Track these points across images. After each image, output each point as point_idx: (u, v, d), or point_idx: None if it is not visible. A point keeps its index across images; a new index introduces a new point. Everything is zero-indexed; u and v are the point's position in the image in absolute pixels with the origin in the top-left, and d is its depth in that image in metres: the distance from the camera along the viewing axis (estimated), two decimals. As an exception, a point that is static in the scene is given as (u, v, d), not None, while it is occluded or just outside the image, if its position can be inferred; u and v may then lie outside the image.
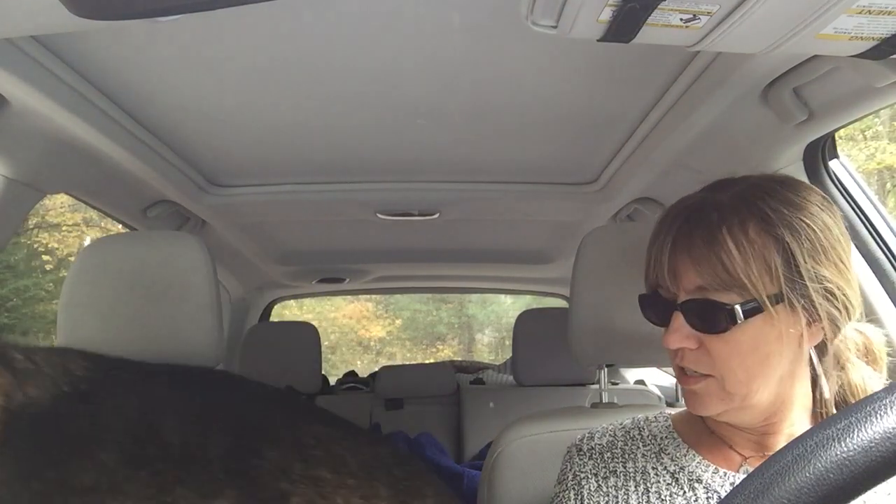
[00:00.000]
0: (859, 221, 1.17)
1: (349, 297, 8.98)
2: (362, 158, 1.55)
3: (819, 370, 0.75)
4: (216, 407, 0.47)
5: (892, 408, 0.35)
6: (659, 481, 0.80)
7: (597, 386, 1.18)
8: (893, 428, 0.34)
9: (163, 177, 1.47)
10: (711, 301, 0.71)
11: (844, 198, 1.19)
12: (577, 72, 1.12)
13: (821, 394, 0.77)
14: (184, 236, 1.13)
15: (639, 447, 0.84)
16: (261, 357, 2.38)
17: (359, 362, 10.79)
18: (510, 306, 10.09)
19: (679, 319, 0.73)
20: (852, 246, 1.05)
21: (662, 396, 2.30)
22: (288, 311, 6.18)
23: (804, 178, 1.19)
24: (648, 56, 1.06)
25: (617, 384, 2.41)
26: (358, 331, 11.44)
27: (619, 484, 0.81)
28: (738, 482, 0.75)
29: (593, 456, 0.85)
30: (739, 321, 0.70)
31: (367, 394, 2.69)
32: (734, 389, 0.72)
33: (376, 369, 2.78)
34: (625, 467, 0.82)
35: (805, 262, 0.70)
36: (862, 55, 0.69)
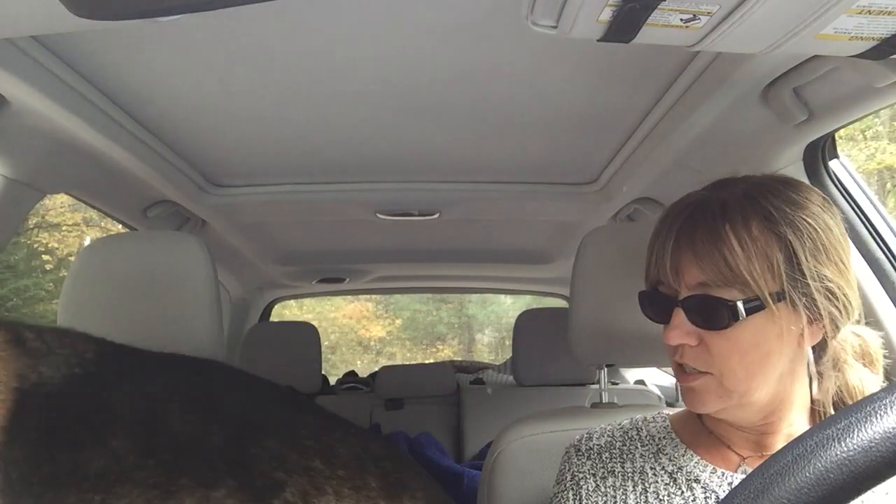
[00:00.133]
0: (859, 221, 1.17)
1: (349, 297, 8.98)
2: (362, 158, 1.55)
3: (816, 370, 0.75)
4: (217, 397, 0.47)
5: (892, 408, 0.35)
6: (657, 481, 0.80)
7: (597, 386, 1.18)
8: (893, 428, 0.34)
9: (163, 177, 1.47)
10: (713, 297, 0.71)
11: (844, 198, 1.19)
12: (577, 72, 1.12)
13: (819, 394, 0.77)
14: (184, 236, 1.14)
15: (637, 447, 0.84)
16: (261, 357, 2.38)
17: (359, 362, 10.79)
18: (510, 306, 10.09)
19: (680, 316, 0.73)
20: (852, 246, 1.05)
21: (662, 396, 2.30)
22: (288, 311, 6.18)
23: (804, 178, 1.19)
24: (648, 56, 1.06)
25: (617, 384, 2.41)
26: (358, 331, 11.44)
27: (618, 484, 0.81)
28: (735, 482, 0.76)
29: (591, 456, 0.85)
30: (741, 318, 0.70)
31: (367, 394, 2.69)
32: (733, 387, 0.72)
33: (376, 369, 2.78)
34: (623, 467, 0.82)
35: (807, 261, 0.70)
36: (862, 55, 0.69)
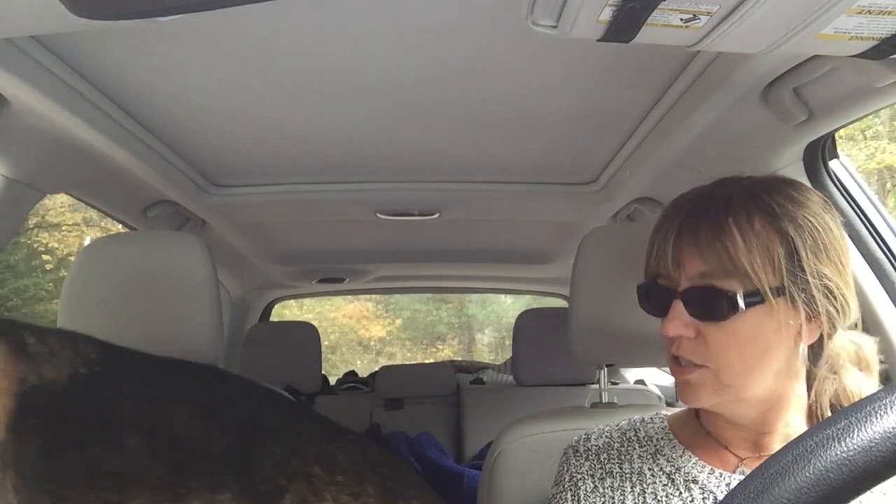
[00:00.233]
0: (859, 221, 1.17)
1: (349, 297, 8.98)
2: (362, 158, 1.55)
3: (813, 371, 0.76)
4: (220, 402, 0.47)
5: (892, 408, 0.35)
6: (655, 482, 0.80)
7: (597, 386, 1.18)
8: (893, 428, 0.34)
9: (163, 177, 1.47)
10: (714, 287, 0.71)
11: (844, 198, 1.19)
12: (577, 72, 1.12)
13: (816, 395, 0.77)
14: (184, 236, 1.14)
15: (635, 448, 0.84)
16: (261, 357, 2.38)
17: (359, 362, 10.79)
18: (510, 306, 10.09)
19: (679, 307, 0.73)
20: (853, 246, 1.06)
21: (662, 396, 2.30)
22: (288, 311, 6.18)
23: (804, 178, 1.19)
24: (648, 56, 1.06)
25: (617, 384, 2.41)
26: (358, 331, 11.44)
27: (616, 485, 0.81)
28: (733, 483, 0.76)
29: (590, 457, 0.85)
30: (740, 309, 0.70)
31: (367, 394, 2.69)
32: (729, 381, 0.72)
33: (376, 369, 2.78)
34: (621, 468, 0.83)
35: (807, 258, 0.71)
36: (862, 55, 0.69)
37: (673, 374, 0.78)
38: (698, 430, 0.82)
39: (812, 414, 0.78)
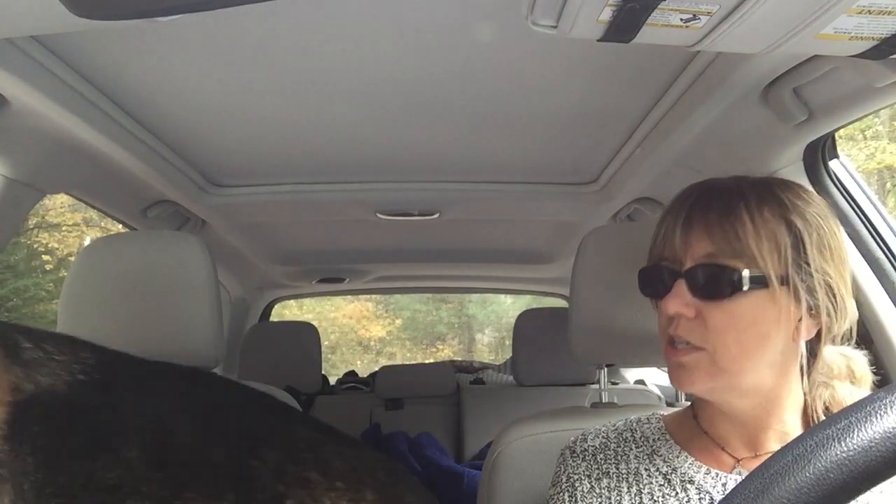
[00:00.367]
0: (859, 221, 1.17)
1: (349, 297, 8.98)
2: (362, 158, 1.55)
3: (808, 375, 0.77)
4: (217, 408, 0.47)
5: (892, 408, 0.35)
6: (651, 482, 0.80)
7: (597, 386, 1.18)
8: (893, 428, 0.34)
9: (163, 177, 1.47)
10: (719, 265, 0.72)
11: (844, 198, 1.19)
12: (577, 72, 1.12)
13: (811, 399, 0.78)
14: (184, 236, 1.14)
15: (631, 449, 0.84)
16: (261, 357, 2.38)
17: (359, 362, 10.80)
18: (510, 306, 10.10)
19: (681, 285, 0.74)
20: (852, 246, 1.06)
21: (662, 396, 2.30)
22: (288, 311, 6.19)
23: (804, 178, 1.19)
24: (648, 56, 1.06)
25: (617, 384, 2.41)
26: (358, 331, 11.45)
27: (612, 485, 0.82)
28: (729, 483, 0.76)
29: (586, 458, 0.85)
30: (744, 288, 0.71)
31: (367, 394, 2.69)
32: (725, 365, 0.72)
33: (376, 369, 2.78)
34: (618, 468, 0.83)
35: (812, 252, 0.72)
36: (862, 55, 0.69)
37: (667, 357, 0.77)
38: (695, 431, 0.82)
39: (807, 416, 0.79)
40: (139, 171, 1.41)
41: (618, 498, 0.81)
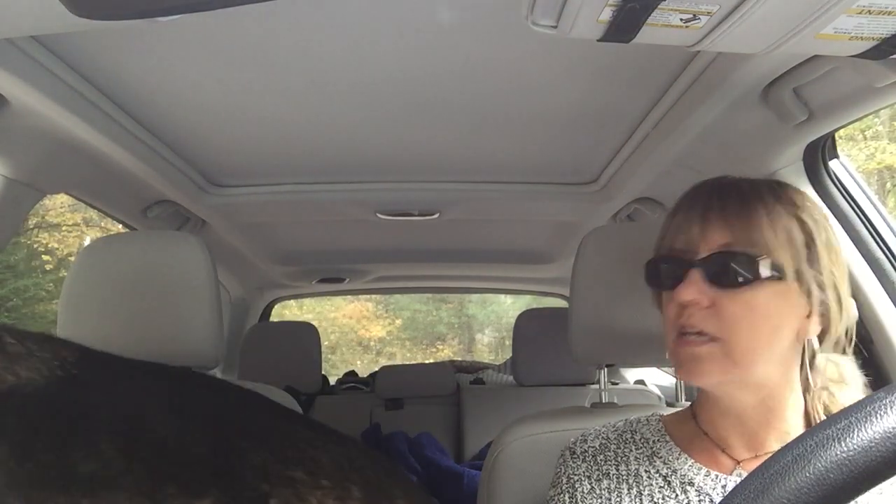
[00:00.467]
0: (859, 221, 1.17)
1: (349, 297, 8.98)
2: (362, 158, 1.55)
3: (809, 376, 0.77)
4: (200, 405, 0.47)
5: (892, 408, 0.35)
6: (651, 484, 0.80)
7: (597, 386, 1.18)
8: (893, 428, 0.34)
9: (163, 177, 1.47)
10: (737, 252, 0.72)
11: (844, 198, 1.19)
12: (577, 72, 1.12)
13: (811, 399, 0.78)
14: (184, 236, 1.13)
15: (631, 450, 0.84)
16: (261, 357, 2.38)
17: (359, 362, 10.80)
18: (510, 306, 10.10)
19: (696, 273, 0.74)
20: (853, 246, 1.06)
21: (662, 396, 2.30)
22: (288, 311, 6.19)
23: (804, 178, 1.19)
24: (648, 56, 1.06)
25: (617, 384, 2.41)
26: (358, 331, 11.45)
27: (612, 486, 0.82)
28: (729, 485, 0.76)
29: (586, 458, 0.85)
30: (763, 276, 0.71)
31: (367, 394, 2.69)
32: (739, 356, 0.72)
33: (376, 369, 2.78)
34: (618, 470, 0.83)
35: (821, 250, 0.74)
36: (862, 55, 0.69)
37: (676, 349, 0.76)
38: (695, 432, 0.82)
39: (807, 415, 0.79)
40: (139, 171, 1.41)
41: (618, 499, 0.81)
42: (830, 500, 0.34)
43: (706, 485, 0.77)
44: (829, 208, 1.17)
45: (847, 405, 0.77)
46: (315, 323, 2.65)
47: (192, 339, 1.05)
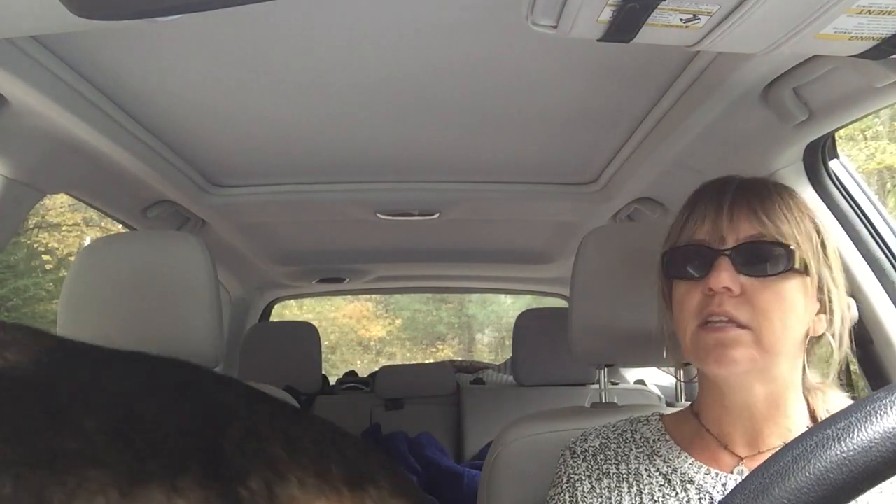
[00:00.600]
0: (859, 221, 1.17)
1: (349, 297, 8.98)
2: (362, 158, 1.55)
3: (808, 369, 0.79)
4: (180, 386, 0.47)
5: (892, 408, 0.35)
6: (652, 483, 0.80)
7: (597, 386, 1.18)
8: (893, 428, 0.34)
9: (163, 177, 1.47)
10: (770, 241, 0.74)
11: (844, 198, 1.19)
12: (578, 72, 1.12)
13: (808, 393, 0.79)
14: (184, 236, 1.13)
15: (631, 449, 0.84)
16: (261, 357, 2.38)
17: (359, 362, 10.80)
18: (510, 306, 10.10)
19: (726, 262, 0.74)
20: (853, 246, 1.07)
21: (662, 396, 2.30)
22: (288, 311, 6.19)
23: (804, 178, 1.19)
24: (648, 56, 1.06)
25: (617, 384, 2.41)
26: (358, 331, 11.45)
27: (613, 486, 0.82)
28: (729, 483, 0.76)
29: (587, 458, 0.85)
30: (793, 267, 0.73)
31: (367, 394, 2.69)
32: (768, 343, 0.73)
33: (376, 369, 2.78)
34: (618, 469, 0.83)
35: (830, 251, 0.77)
36: (862, 55, 0.69)
37: (700, 338, 0.75)
38: (696, 430, 0.82)
39: (810, 409, 0.80)
40: (139, 171, 1.41)
41: (618, 498, 0.81)
42: (830, 500, 0.34)
43: (706, 483, 0.78)
44: (829, 208, 1.17)
45: (837, 402, 0.79)
46: (315, 323, 2.65)
47: (192, 339, 1.05)
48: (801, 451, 0.35)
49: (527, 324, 2.26)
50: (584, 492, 0.83)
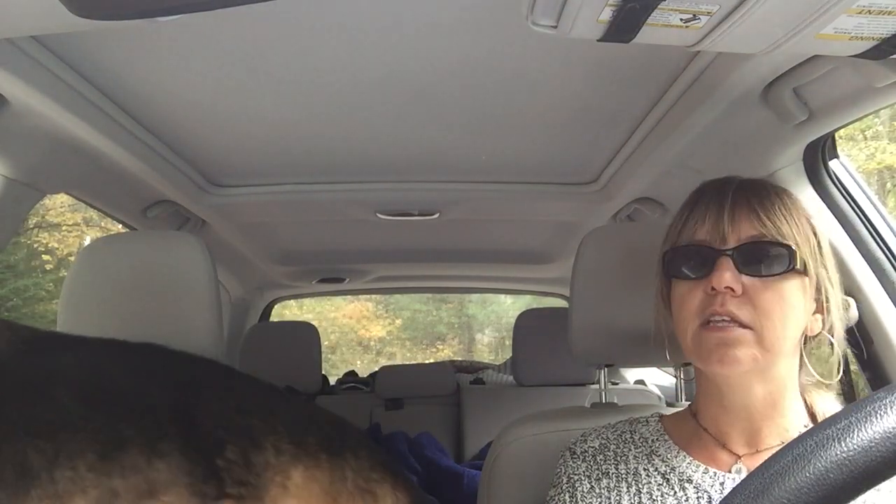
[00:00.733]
0: (859, 221, 1.17)
1: (349, 297, 8.98)
2: (362, 158, 1.55)
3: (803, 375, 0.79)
4: (158, 362, 0.48)
5: (892, 408, 0.35)
6: (650, 482, 0.81)
7: (597, 386, 1.18)
8: (893, 428, 0.34)
9: (163, 177, 1.47)
10: (772, 241, 0.75)
11: (844, 198, 1.19)
12: (578, 72, 1.12)
13: (803, 392, 0.80)
14: (184, 236, 1.13)
15: (630, 449, 0.85)
16: (261, 357, 2.38)
17: (359, 362, 10.79)
18: (510, 306, 10.09)
19: (728, 262, 0.75)
20: (853, 246, 1.07)
21: (662, 396, 2.30)
22: (288, 311, 6.19)
23: (804, 178, 1.19)
24: (648, 56, 1.06)
25: (617, 384, 2.41)
26: (358, 331, 11.44)
27: (612, 485, 0.82)
28: (727, 482, 0.76)
29: (586, 458, 0.86)
30: (794, 267, 0.74)
31: (367, 394, 2.69)
32: (770, 343, 0.73)
33: (376, 369, 2.78)
34: (617, 469, 0.83)
35: (826, 252, 0.78)
36: (862, 55, 0.69)
37: (701, 337, 0.75)
38: (694, 430, 0.83)
39: (807, 407, 0.80)
40: (139, 171, 1.41)
41: (617, 498, 0.81)
42: (830, 500, 0.34)
43: (704, 482, 0.78)
44: (829, 208, 1.17)
45: (831, 403, 0.79)
46: (315, 323, 2.65)
47: (192, 339, 1.05)
48: (801, 452, 0.35)
49: (527, 324, 2.26)
50: (583, 492, 0.83)
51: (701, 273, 0.76)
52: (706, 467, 0.79)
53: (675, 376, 1.15)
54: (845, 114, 1.04)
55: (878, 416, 0.35)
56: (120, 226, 1.82)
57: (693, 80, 1.10)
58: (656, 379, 2.69)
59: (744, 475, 0.74)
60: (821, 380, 0.79)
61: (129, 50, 1.05)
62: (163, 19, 0.61)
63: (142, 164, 1.38)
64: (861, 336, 1.10)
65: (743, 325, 0.73)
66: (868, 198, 1.19)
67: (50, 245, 9.00)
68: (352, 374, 3.10)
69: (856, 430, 0.35)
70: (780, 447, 0.37)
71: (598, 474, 0.84)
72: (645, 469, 0.82)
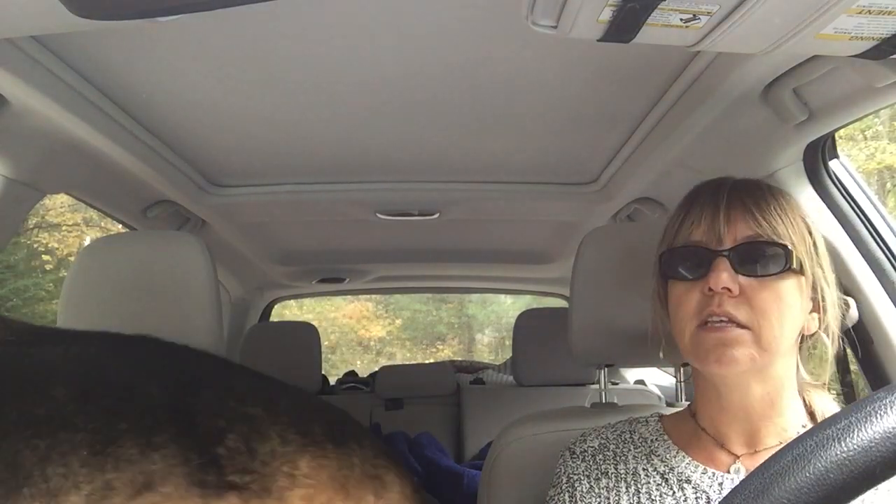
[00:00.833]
0: (859, 221, 1.17)
1: (349, 297, 8.98)
2: (362, 158, 1.55)
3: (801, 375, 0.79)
4: (153, 354, 0.48)
5: (892, 408, 0.35)
6: (649, 482, 0.81)
7: (597, 386, 1.18)
8: (893, 428, 0.34)
9: (163, 177, 1.47)
10: (768, 242, 0.75)
11: (844, 198, 1.19)
12: (578, 72, 1.12)
13: (801, 391, 0.80)
14: (184, 236, 1.14)
15: (630, 449, 0.85)
16: (261, 357, 2.38)
17: (359, 362, 10.79)
18: (510, 306, 10.09)
19: (724, 263, 0.75)
20: (853, 246, 1.07)
21: (662, 396, 2.30)
22: (288, 311, 6.19)
23: (804, 178, 1.19)
24: (648, 56, 1.06)
25: (617, 384, 2.41)
26: (358, 331, 11.45)
27: (611, 485, 0.82)
28: (725, 482, 0.76)
29: (585, 458, 0.86)
30: (790, 267, 0.74)
31: (367, 394, 2.69)
32: (767, 342, 0.73)
33: (376, 369, 2.78)
34: (616, 469, 0.84)
35: (822, 252, 0.78)
36: (862, 55, 0.69)
37: (699, 338, 0.76)
38: (693, 430, 0.83)
39: (807, 407, 0.80)
40: (139, 171, 1.41)
41: (616, 497, 0.81)
42: (830, 500, 0.34)
43: (703, 482, 0.78)
44: (829, 208, 1.17)
45: (828, 402, 0.80)
46: (315, 323, 2.65)
47: (192, 340, 1.04)
48: (801, 452, 0.35)
49: (527, 324, 2.26)
50: (582, 492, 0.83)
51: (698, 274, 0.77)
52: (705, 467, 0.79)
53: (675, 376, 1.15)
54: (845, 114, 1.04)
55: (878, 416, 0.35)
56: (120, 226, 1.82)
57: (693, 80, 1.10)
58: (656, 379, 2.69)
59: (742, 475, 0.74)
60: (809, 379, 0.79)
61: (129, 50, 1.05)
62: (163, 19, 0.61)
63: (142, 164, 1.38)
64: (861, 336, 1.10)
65: (740, 326, 0.74)
66: (868, 198, 1.19)
67: (50, 245, 9.00)
68: (352, 374, 3.10)
69: (856, 430, 0.35)
70: (779, 447, 0.37)
71: (597, 474, 0.84)
72: (644, 469, 0.82)
